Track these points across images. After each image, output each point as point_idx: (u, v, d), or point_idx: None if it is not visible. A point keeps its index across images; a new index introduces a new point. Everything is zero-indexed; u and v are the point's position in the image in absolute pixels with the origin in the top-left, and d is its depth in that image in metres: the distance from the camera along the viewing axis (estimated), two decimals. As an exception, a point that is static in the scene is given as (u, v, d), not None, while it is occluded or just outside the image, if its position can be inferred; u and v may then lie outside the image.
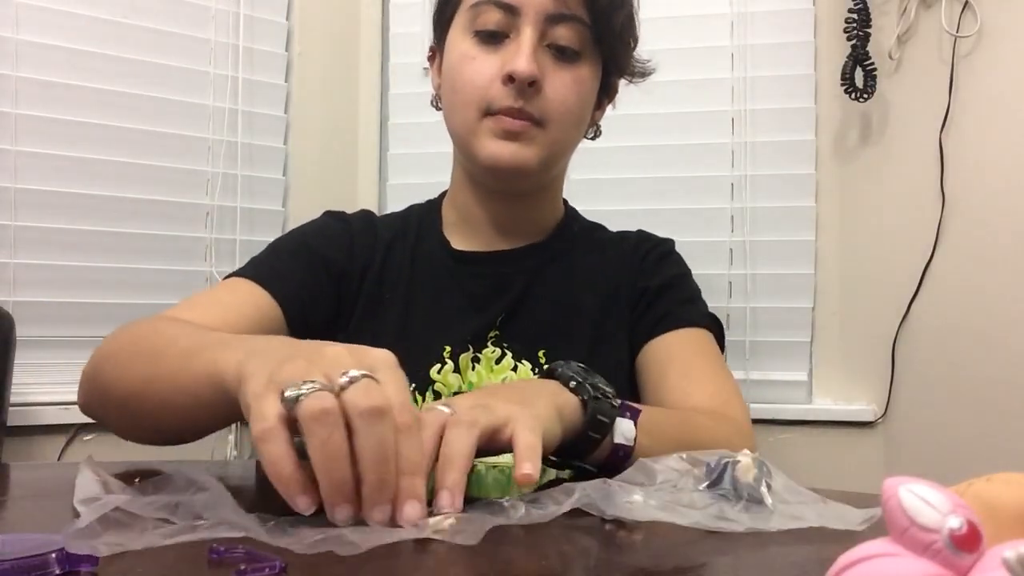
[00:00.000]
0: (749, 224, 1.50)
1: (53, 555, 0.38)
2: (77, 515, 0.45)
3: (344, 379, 0.49)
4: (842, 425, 1.48)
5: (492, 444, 0.59)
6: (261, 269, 0.93)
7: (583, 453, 0.68)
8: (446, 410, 0.58)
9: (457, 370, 0.94)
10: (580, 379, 0.69)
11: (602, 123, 1.04)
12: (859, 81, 1.42)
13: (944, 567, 0.25)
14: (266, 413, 0.49)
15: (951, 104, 1.40)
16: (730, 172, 1.52)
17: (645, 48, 1.02)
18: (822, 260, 1.51)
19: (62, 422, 1.33)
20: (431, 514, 0.50)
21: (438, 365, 0.94)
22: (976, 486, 0.31)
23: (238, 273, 0.93)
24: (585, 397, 0.68)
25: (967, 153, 1.40)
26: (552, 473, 0.70)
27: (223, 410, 0.59)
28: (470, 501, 0.53)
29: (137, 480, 0.52)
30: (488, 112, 0.89)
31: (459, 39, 0.93)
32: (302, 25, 1.63)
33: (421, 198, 1.09)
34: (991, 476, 0.32)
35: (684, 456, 0.59)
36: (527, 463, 0.56)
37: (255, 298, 0.89)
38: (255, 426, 0.49)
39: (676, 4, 1.55)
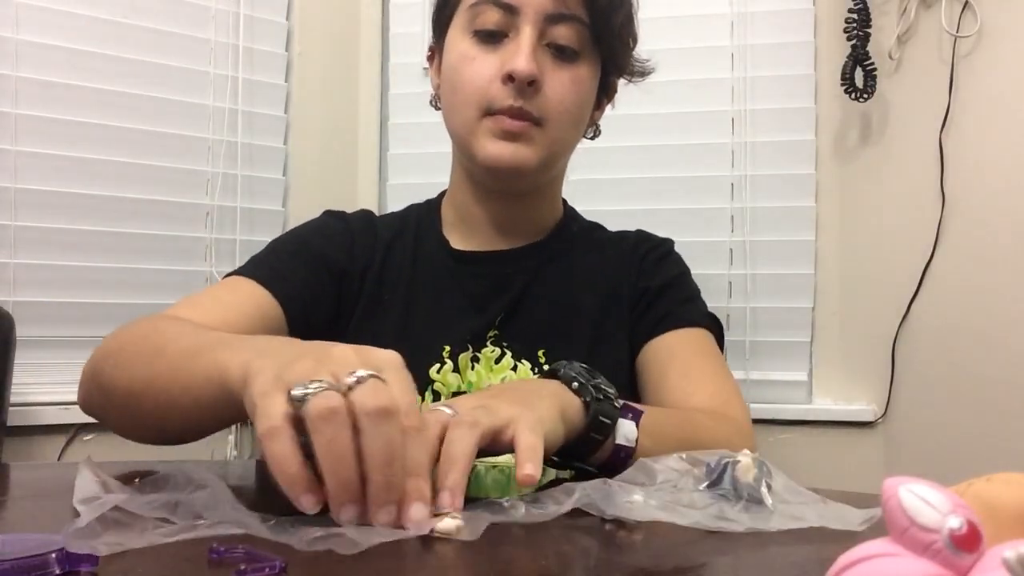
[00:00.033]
0: (749, 224, 1.50)
1: (53, 555, 0.38)
2: (77, 515, 0.45)
3: (351, 379, 0.49)
4: (842, 425, 1.48)
5: (494, 445, 0.59)
6: (262, 268, 0.93)
7: (585, 454, 0.68)
8: (448, 411, 0.58)
9: (456, 370, 0.94)
10: (583, 380, 0.69)
11: (602, 123, 1.04)
12: (859, 81, 1.42)
13: (944, 567, 0.25)
14: (272, 411, 0.48)
15: (951, 104, 1.40)
16: (730, 172, 1.52)
17: (645, 48, 1.02)
18: (822, 260, 1.51)
19: (62, 422, 1.33)
20: (431, 514, 0.50)
21: (437, 365, 0.94)
22: (976, 486, 0.31)
23: (238, 272, 0.93)
24: (587, 398, 0.67)
25: (967, 153, 1.40)
26: (552, 473, 0.70)
27: (225, 410, 0.59)
28: (469, 501, 0.53)
29: (136, 480, 0.52)
30: (488, 112, 0.89)
31: (458, 39, 0.93)
32: (302, 25, 1.63)
33: (421, 198, 1.09)
34: (991, 476, 0.32)
35: (684, 456, 0.59)
36: (528, 464, 0.56)
37: (256, 297, 0.89)
38: (261, 424, 0.49)
39: (676, 4, 1.55)
